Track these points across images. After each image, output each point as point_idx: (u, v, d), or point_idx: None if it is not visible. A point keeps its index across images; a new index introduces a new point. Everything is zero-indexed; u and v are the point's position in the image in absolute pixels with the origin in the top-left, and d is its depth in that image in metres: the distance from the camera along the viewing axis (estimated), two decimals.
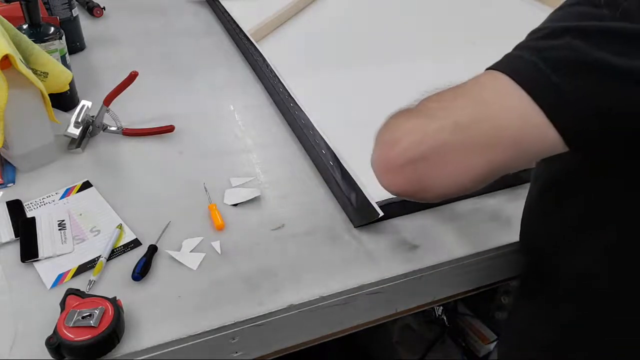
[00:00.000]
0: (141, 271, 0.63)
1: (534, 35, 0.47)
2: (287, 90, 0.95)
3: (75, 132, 0.84)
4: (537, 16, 0.52)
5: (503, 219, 0.75)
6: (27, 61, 0.79)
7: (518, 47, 0.48)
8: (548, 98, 0.43)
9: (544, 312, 0.64)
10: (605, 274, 0.56)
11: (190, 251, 0.68)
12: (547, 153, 0.47)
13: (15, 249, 0.67)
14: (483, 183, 0.49)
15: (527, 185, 0.66)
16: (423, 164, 0.47)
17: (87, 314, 0.55)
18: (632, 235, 0.53)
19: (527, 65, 0.45)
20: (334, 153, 0.79)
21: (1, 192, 0.76)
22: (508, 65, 0.46)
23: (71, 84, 0.92)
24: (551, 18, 0.47)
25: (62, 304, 0.58)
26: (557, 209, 0.60)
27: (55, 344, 0.53)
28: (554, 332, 0.62)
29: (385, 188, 0.51)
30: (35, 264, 0.65)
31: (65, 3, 1.09)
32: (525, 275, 0.72)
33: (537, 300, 0.66)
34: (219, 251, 0.68)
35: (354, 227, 0.73)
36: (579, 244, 0.57)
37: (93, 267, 0.65)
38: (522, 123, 0.44)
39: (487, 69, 0.48)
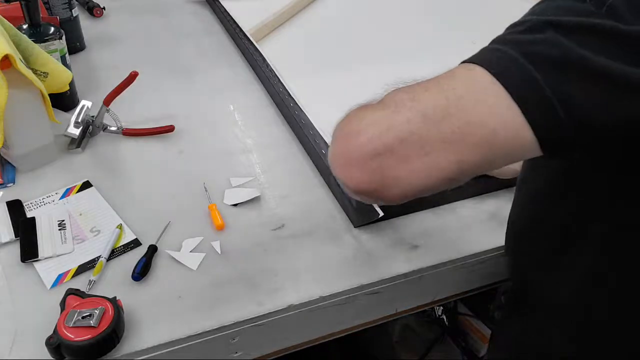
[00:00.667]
0: (141, 271, 0.63)
1: (514, 28, 0.44)
2: (287, 90, 0.95)
3: (75, 132, 0.84)
4: None
5: (503, 219, 0.74)
6: (27, 61, 0.79)
7: (496, 41, 0.45)
8: (526, 94, 0.41)
9: (532, 325, 0.63)
10: (590, 287, 0.55)
11: (190, 251, 0.68)
12: (521, 156, 0.45)
13: (15, 249, 0.67)
14: (452, 183, 0.45)
15: None
16: (387, 157, 0.43)
17: (87, 314, 0.55)
18: (615, 249, 0.52)
19: (505, 58, 0.42)
20: None
21: (1, 192, 0.76)
22: (485, 58, 0.43)
23: (71, 84, 0.92)
24: (532, 11, 0.45)
25: (62, 304, 0.58)
26: (541, 220, 0.60)
27: (55, 344, 0.53)
28: (543, 343, 0.62)
29: (345, 184, 0.47)
30: (35, 264, 0.65)
31: (65, 3, 1.09)
32: (512, 287, 0.72)
33: (525, 313, 0.65)
34: (219, 251, 0.68)
35: (354, 227, 0.73)
36: (564, 256, 0.57)
37: (93, 267, 0.65)
38: (496, 120, 0.41)
39: (463, 62, 0.46)
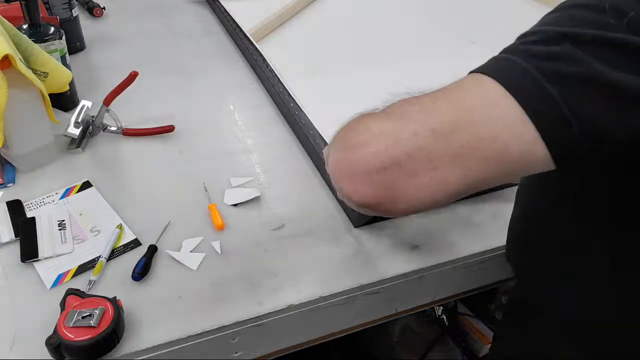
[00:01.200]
0: (141, 271, 0.63)
1: (525, 38, 0.43)
2: (287, 90, 0.95)
3: (75, 132, 0.84)
4: (539, 17, 0.51)
5: (503, 219, 0.75)
6: (27, 61, 0.79)
7: (507, 51, 0.43)
8: (540, 109, 0.39)
9: (532, 326, 0.63)
10: (591, 289, 0.55)
11: (190, 251, 0.68)
12: (531, 170, 0.44)
13: (15, 249, 0.67)
14: (457, 198, 0.44)
15: None
16: (393, 171, 0.42)
17: (87, 314, 0.55)
18: (616, 250, 0.52)
19: (518, 70, 0.40)
20: None
21: (1, 192, 0.76)
22: (496, 69, 0.42)
23: (71, 84, 0.92)
24: (545, 21, 0.43)
25: (62, 304, 0.58)
26: (543, 222, 0.59)
27: (55, 343, 0.53)
28: (543, 344, 0.62)
29: (349, 197, 0.45)
30: (35, 264, 0.65)
31: (65, 3, 1.09)
32: (513, 288, 0.72)
33: (525, 314, 0.65)
34: (219, 251, 0.68)
35: (354, 227, 0.73)
36: (565, 258, 0.56)
37: (93, 267, 0.65)
38: (507, 135, 0.40)
39: (471, 72, 0.44)
